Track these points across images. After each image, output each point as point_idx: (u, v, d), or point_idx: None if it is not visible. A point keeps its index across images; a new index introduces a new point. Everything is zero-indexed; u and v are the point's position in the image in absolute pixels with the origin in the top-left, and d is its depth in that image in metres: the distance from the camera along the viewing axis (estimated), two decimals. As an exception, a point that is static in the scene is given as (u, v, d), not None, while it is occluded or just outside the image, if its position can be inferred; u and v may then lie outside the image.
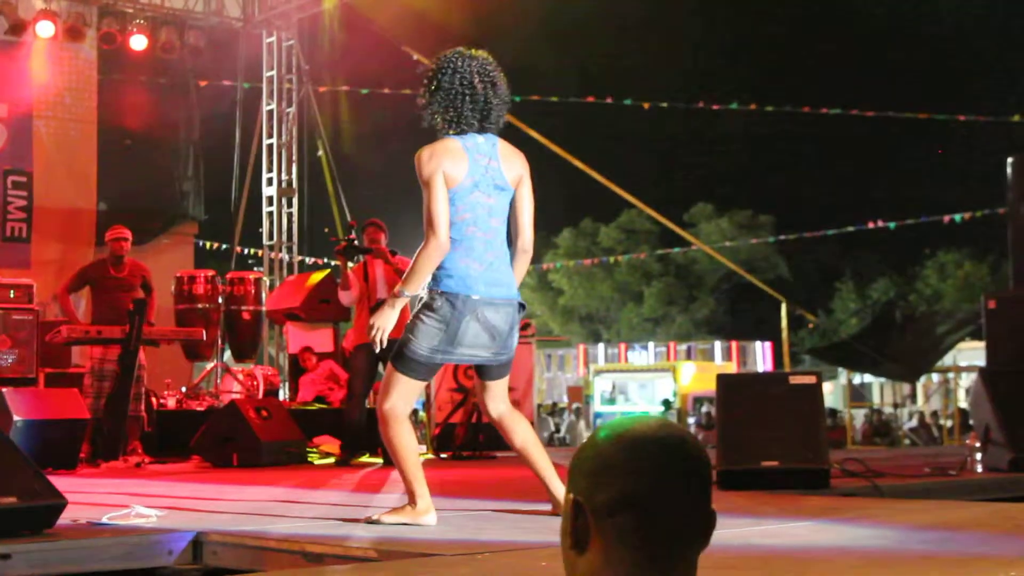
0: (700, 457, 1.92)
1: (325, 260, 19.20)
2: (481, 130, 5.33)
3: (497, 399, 5.52)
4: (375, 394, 11.43)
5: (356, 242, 10.48)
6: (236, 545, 4.85)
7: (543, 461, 5.48)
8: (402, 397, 5.32)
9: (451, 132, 5.31)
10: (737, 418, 7.29)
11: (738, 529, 4.95)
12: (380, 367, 10.38)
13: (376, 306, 10.28)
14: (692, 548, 1.90)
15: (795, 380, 7.43)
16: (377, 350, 5.40)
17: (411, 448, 5.28)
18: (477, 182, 5.26)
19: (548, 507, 5.52)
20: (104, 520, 5.23)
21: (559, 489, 5.35)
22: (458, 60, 5.34)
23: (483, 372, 5.50)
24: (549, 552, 4.26)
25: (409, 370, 5.29)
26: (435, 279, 5.26)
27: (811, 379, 7.41)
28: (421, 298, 5.29)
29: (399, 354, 5.29)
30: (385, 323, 5.26)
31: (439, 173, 5.20)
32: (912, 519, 5.38)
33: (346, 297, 10.50)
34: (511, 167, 5.41)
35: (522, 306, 5.44)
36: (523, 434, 5.50)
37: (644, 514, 1.85)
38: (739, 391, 7.54)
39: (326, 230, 10.53)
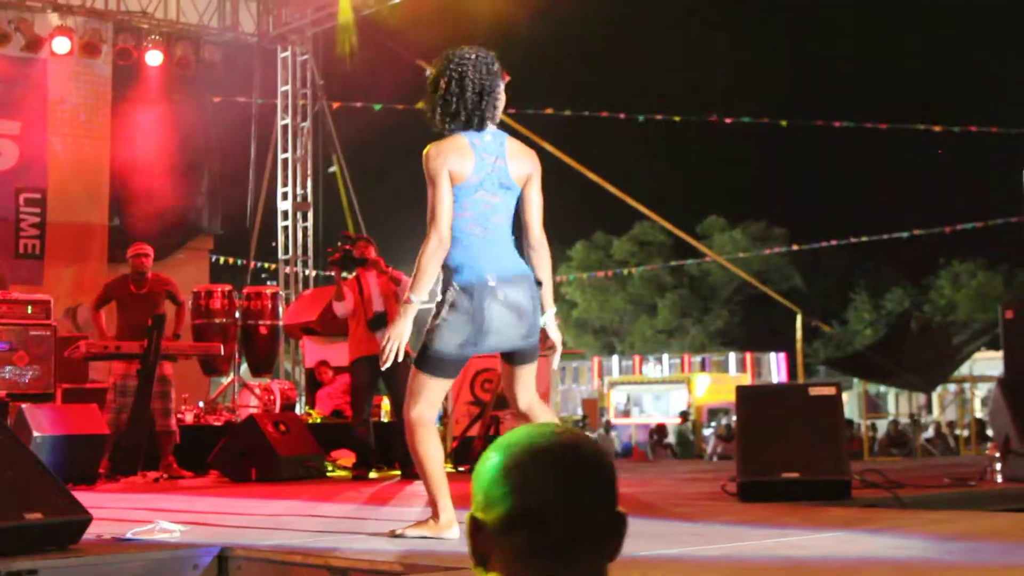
0: (595, 463, 1.86)
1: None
2: (482, 126, 5.33)
3: (527, 388, 5.40)
4: (377, 407, 11.50)
5: (350, 253, 10.59)
6: (261, 560, 4.86)
7: None
8: (428, 402, 5.28)
9: (455, 129, 5.33)
10: (757, 430, 7.29)
11: (761, 541, 4.96)
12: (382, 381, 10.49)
13: (373, 319, 10.35)
14: (596, 556, 1.84)
15: (815, 391, 7.42)
16: (388, 363, 5.27)
17: (436, 460, 5.25)
18: (482, 180, 5.25)
19: None
20: (129, 535, 5.24)
21: None
22: (458, 57, 5.35)
23: (512, 357, 5.37)
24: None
25: (436, 369, 5.24)
26: (445, 280, 5.25)
27: (831, 390, 7.40)
28: (437, 302, 5.26)
29: (423, 357, 5.25)
30: (401, 333, 5.20)
31: (445, 170, 5.20)
32: (935, 530, 5.37)
33: (340, 308, 10.61)
34: (518, 165, 5.38)
35: (539, 283, 5.36)
36: None
37: (536, 529, 1.81)
38: (758, 403, 7.54)
39: (335, 246, 10.59)
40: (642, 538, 5.15)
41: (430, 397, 5.29)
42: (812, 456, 7.04)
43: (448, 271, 5.24)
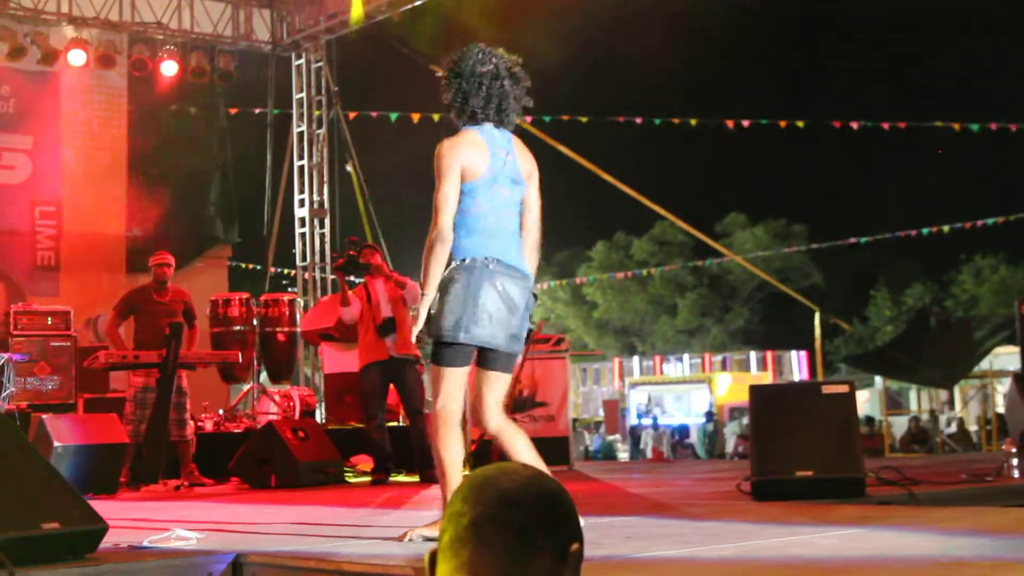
0: (550, 497, 1.89)
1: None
2: (497, 124, 5.41)
3: (496, 404, 5.44)
4: (390, 411, 11.57)
5: (355, 258, 10.68)
6: (275, 566, 4.91)
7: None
8: (449, 395, 5.32)
9: (468, 124, 5.39)
10: (770, 429, 7.30)
11: (771, 540, 4.98)
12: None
13: (382, 325, 10.42)
14: None
15: (828, 390, 7.43)
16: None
17: (454, 461, 5.25)
18: (496, 175, 5.34)
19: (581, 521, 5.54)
20: (145, 543, 5.29)
21: None
22: (479, 54, 5.41)
23: (489, 361, 5.42)
24: (587, 566, 4.30)
25: (444, 359, 5.31)
26: (451, 259, 5.33)
27: (844, 388, 7.41)
28: (445, 275, 5.32)
29: (433, 347, 5.35)
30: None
31: (457, 166, 5.27)
32: (947, 526, 5.38)
33: (347, 313, 10.69)
34: (524, 163, 5.52)
35: (534, 296, 5.49)
36: (524, 449, 5.42)
37: (478, 550, 1.83)
38: (772, 402, 7.55)
39: (348, 254, 10.70)
40: (652, 538, 5.18)
41: (447, 388, 5.32)
42: (826, 454, 7.05)
43: (457, 250, 5.31)
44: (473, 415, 5.71)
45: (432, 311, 5.31)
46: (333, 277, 17.76)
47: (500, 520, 1.85)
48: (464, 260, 5.28)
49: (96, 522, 4.97)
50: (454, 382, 5.35)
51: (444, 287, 5.29)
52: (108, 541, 5.06)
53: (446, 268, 5.29)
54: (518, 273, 5.35)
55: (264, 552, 5.07)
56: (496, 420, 5.48)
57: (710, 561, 4.44)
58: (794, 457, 7.06)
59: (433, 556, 1.89)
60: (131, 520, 6.70)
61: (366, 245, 10.93)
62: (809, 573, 4.13)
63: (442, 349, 5.31)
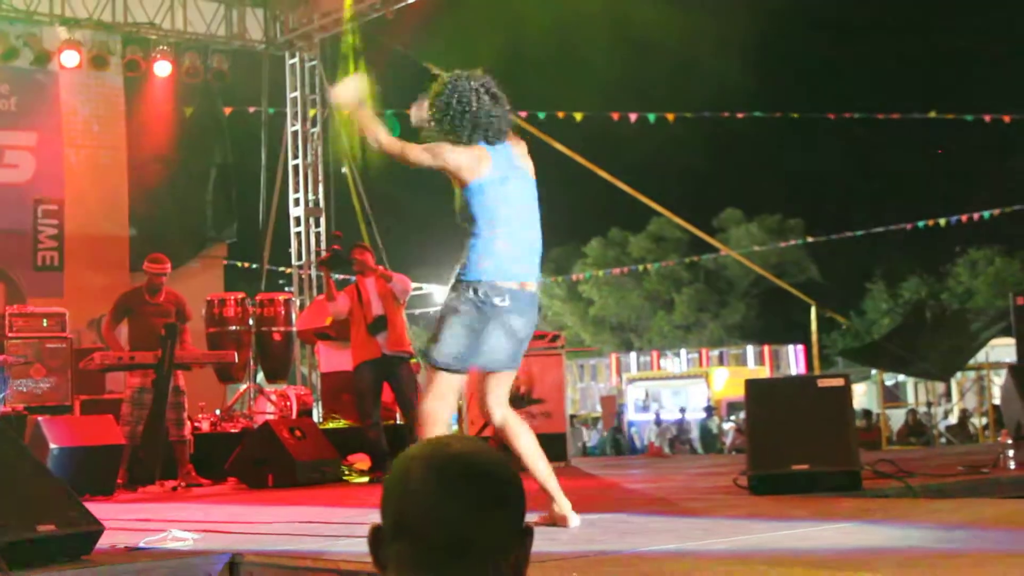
0: (486, 474, 1.80)
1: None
2: (490, 144, 5.48)
3: (501, 399, 5.59)
4: (387, 409, 11.59)
5: (339, 254, 10.72)
6: (271, 565, 4.90)
7: (547, 471, 5.56)
8: (439, 397, 5.40)
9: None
10: (766, 423, 7.30)
11: (767, 534, 4.98)
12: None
13: (373, 323, 10.45)
14: (487, 571, 1.78)
15: (823, 383, 7.43)
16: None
17: None
18: (506, 172, 5.42)
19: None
20: (141, 544, 5.29)
21: (560, 500, 5.46)
22: (458, 81, 5.46)
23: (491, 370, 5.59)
24: (582, 562, 4.31)
25: (441, 366, 5.39)
26: (465, 269, 5.35)
27: (839, 382, 7.40)
28: (453, 295, 5.39)
29: (431, 350, 5.42)
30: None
31: (450, 158, 5.39)
32: (943, 518, 5.38)
33: (333, 308, 10.74)
34: (528, 164, 5.64)
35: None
36: (527, 442, 5.56)
37: (414, 541, 1.76)
38: (768, 396, 7.55)
39: (332, 248, 10.75)
40: (647, 534, 5.19)
41: (439, 390, 5.40)
42: (822, 448, 7.05)
43: (465, 272, 5.34)
44: (479, 407, 5.76)
45: (437, 325, 5.43)
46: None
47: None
48: (476, 291, 5.32)
49: (92, 524, 4.97)
50: (447, 386, 5.42)
51: (450, 311, 5.35)
52: (105, 542, 5.06)
53: (455, 286, 5.36)
54: (526, 301, 5.40)
55: (260, 551, 5.08)
56: (501, 413, 5.62)
57: (706, 555, 4.45)
58: (790, 451, 7.05)
59: (376, 531, 1.85)
60: (128, 521, 6.70)
61: (356, 244, 10.96)
62: (804, 566, 4.13)
63: (437, 357, 5.41)
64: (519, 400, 11.91)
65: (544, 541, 5.03)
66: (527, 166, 5.61)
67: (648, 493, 7.87)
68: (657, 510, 6.42)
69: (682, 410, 29.68)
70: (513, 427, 5.61)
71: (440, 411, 5.39)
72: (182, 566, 4.92)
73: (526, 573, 1.83)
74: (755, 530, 5.13)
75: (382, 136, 5.43)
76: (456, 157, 5.36)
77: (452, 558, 1.75)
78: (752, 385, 7.66)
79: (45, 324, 12.52)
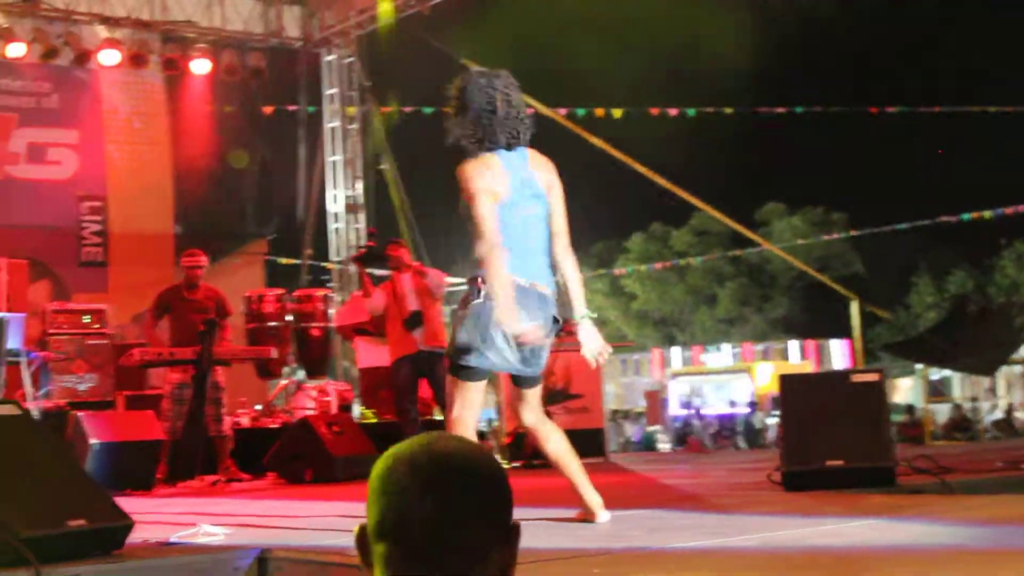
0: (469, 472, 1.77)
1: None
2: (508, 147, 5.41)
3: (530, 408, 5.65)
4: (424, 404, 11.63)
5: (375, 250, 10.76)
6: (300, 561, 4.91)
7: (576, 469, 5.56)
8: (466, 406, 5.42)
9: (480, 150, 5.39)
10: (801, 418, 7.25)
11: (796, 530, 4.96)
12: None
13: (410, 318, 10.46)
14: (473, 569, 1.74)
15: (858, 378, 7.37)
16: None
17: None
18: (518, 196, 5.34)
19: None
20: (173, 539, 5.32)
21: (592, 497, 5.46)
22: (481, 79, 5.42)
23: (516, 379, 5.64)
24: (604, 559, 4.30)
25: (463, 375, 5.41)
26: (473, 282, 5.34)
27: (874, 376, 7.34)
28: (472, 299, 5.36)
29: (451, 360, 5.45)
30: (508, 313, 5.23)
31: (484, 186, 5.28)
32: (975, 515, 5.34)
33: (369, 304, 10.74)
34: (542, 175, 5.51)
35: (556, 320, 5.49)
36: (556, 443, 5.60)
37: (398, 541, 1.74)
38: (802, 391, 7.50)
39: (367, 245, 10.77)
40: (676, 530, 5.17)
41: (465, 399, 5.43)
42: (856, 443, 6.99)
43: (477, 278, 5.33)
44: (510, 409, 5.80)
45: (450, 336, 5.48)
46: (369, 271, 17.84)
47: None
48: (481, 305, 5.31)
49: (122, 519, 4.99)
50: (471, 394, 5.44)
51: (464, 311, 5.38)
52: (137, 537, 5.08)
53: (469, 289, 5.36)
54: (534, 295, 5.37)
55: (288, 547, 5.09)
56: (532, 417, 5.66)
57: (731, 552, 4.43)
58: (824, 446, 7.00)
59: (361, 531, 1.83)
60: (162, 516, 6.74)
61: (390, 240, 10.98)
62: (829, 563, 4.11)
63: (455, 362, 5.41)
64: (556, 396, 11.91)
65: (570, 538, 5.03)
66: (540, 176, 5.49)
67: (682, 489, 7.84)
68: (689, 506, 6.39)
69: (732, 403, 29.62)
70: (543, 431, 5.66)
71: (468, 418, 5.40)
72: (211, 561, 4.93)
73: (513, 571, 1.81)
74: (783, 527, 5.10)
75: (492, 260, 5.25)
76: (486, 195, 5.27)
77: (435, 558, 1.73)
78: (786, 380, 7.62)
79: (86, 320, 12.64)
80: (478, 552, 1.75)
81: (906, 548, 4.41)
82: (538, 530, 5.42)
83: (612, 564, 4.20)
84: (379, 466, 1.82)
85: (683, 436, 28.04)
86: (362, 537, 1.83)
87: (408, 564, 1.74)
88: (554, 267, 5.53)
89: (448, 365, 5.49)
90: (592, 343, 5.54)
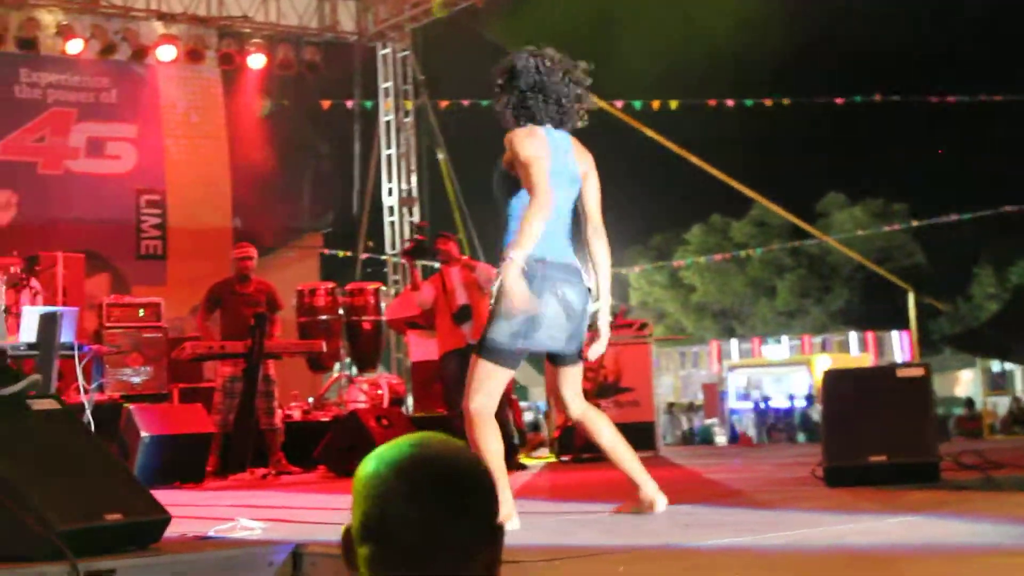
0: (449, 476, 1.77)
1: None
2: (557, 125, 5.41)
3: (575, 394, 5.56)
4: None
5: (424, 244, 10.77)
6: (333, 556, 4.93)
7: (630, 459, 5.53)
8: (489, 394, 5.34)
9: (529, 123, 5.39)
10: (844, 413, 7.18)
11: (830, 527, 4.92)
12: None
13: (458, 312, 10.46)
14: (456, 571, 1.75)
15: (902, 373, 7.30)
16: (523, 310, 5.18)
17: (496, 453, 5.28)
18: (559, 177, 5.33)
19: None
20: (211, 533, 5.37)
21: (646, 485, 5.42)
22: (532, 57, 5.40)
23: (555, 359, 5.52)
24: (631, 556, 4.29)
25: (495, 358, 5.33)
26: (508, 243, 5.30)
27: (919, 371, 7.26)
28: (500, 282, 5.26)
29: (482, 345, 5.34)
30: (515, 287, 5.12)
31: (537, 155, 5.25)
32: (1016, 513, 5.25)
33: (417, 297, 10.76)
34: (581, 163, 5.52)
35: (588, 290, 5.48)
36: (609, 433, 5.56)
37: (381, 543, 1.75)
38: (845, 385, 7.42)
39: (416, 239, 10.86)
40: (711, 526, 5.14)
41: (490, 387, 5.34)
42: (900, 439, 6.91)
43: (508, 246, 5.30)
44: (556, 403, 5.75)
45: (489, 314, 5.34)
46: (423, 264, 17.90)
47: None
48: (527, 266, 5.23)
49: (159, 513, 5.04)
50: (497, 382, 5.36)
51: (501, 294, 5.27)
52: (176, 531, 5.14)
53: (500, 267, 5.26)
54: (573, 273, 5.35)
55: (322, 542, 5.11)
56: (578, 408, 5.59)
57: (762, 550, 4.39)
58: (867, 442, 6.93)
59: (347, 532, 1.85)
60: (206, 509, 6.80)
61: (440, 233, 10.99)
62: (859, 562, 4.07)
63: (492, 348, 5.31)
64: (607, 389, 11.90)
65: (601, 534, 5.02)
66: (580, 162, 5.49)
67: (726, 484, 7.80)
68: (727, 502, 6.36)
69: (791, 397, 29.43)
70: (592, 420, 5.61)
71: (490, 409, 5.31)
72: (245, 556, 4.97)
73: (499, 570, 1.82)
74: (821, 523, 5.06)
75: (539, 220, 5.17)
76: (542, 157, 5.24)
77: (419, 560, 1.74)
78: (830, 375, 7.55)
79: (142, 314, 12.77)
80: (463, 553, 1.76)
81: (937, 546, 4.34)
82: (571, 526, 5.43)
83: (639, 561, 4.19)
84: (364, 468, 1.84)
85: (737, 429, 27.96)
86: (347, 539, 1.85)
87: (392, 565, 1.75)
88: (583, 250, 5.53)
89: (478, 346, 5.37)
90: (598, 344, 5.60)
